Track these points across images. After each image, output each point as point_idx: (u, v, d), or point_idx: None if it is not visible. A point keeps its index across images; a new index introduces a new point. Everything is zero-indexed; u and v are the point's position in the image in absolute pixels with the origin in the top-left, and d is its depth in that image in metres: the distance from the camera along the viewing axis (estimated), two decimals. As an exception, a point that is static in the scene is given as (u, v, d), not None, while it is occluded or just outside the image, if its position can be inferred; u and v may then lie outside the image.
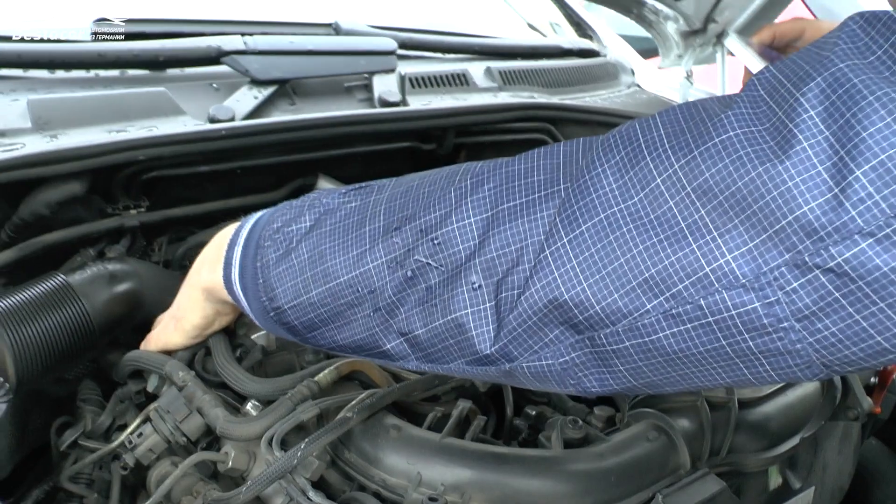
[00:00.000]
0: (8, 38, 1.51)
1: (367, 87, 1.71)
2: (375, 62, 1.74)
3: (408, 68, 1.81)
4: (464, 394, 1.13)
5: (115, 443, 1.07)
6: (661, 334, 0.62)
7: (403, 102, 1.67)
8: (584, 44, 2.35)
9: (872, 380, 1.44)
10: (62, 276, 1.20)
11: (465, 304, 0.71)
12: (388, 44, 1.77)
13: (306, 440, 0.93)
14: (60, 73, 1.52)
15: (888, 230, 0.51)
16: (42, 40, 1.54)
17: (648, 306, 0.61)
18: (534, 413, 1.17)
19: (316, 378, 1.05)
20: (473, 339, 0.71)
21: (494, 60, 2.02)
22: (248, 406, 1.07)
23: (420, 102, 1.72)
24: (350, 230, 0.81)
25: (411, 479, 0.93)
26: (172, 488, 1.00)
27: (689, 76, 2.31)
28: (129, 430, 1.07)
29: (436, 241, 0.73)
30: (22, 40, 1.52)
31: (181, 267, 1.43)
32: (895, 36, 0.55)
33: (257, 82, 1.59)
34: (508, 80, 1.96)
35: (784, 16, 2.14)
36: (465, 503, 0.92)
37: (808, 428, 1.17)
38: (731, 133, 0.58)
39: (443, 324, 0.73)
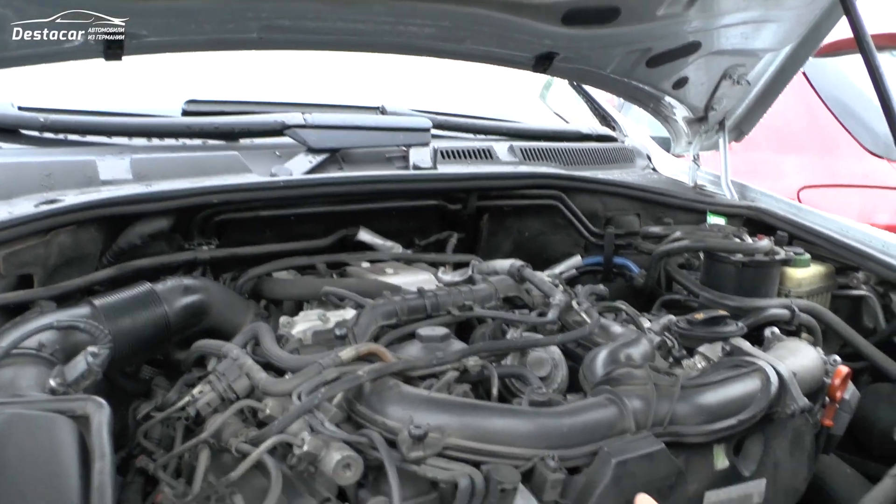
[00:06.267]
0: (118, 114, 1.92)
1: (405, 158, 2.07)
2: (412, 137, 2.09)
3: (441, 144, 2.17)
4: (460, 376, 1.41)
5: (183, 401, 1.38)
6: None
7: (433, 169, 2.01)
8: (603, 131, 2.68)
9: (827, 400, 1.66)
10: (149, 284, 1.54)
11: None
12: (424, 123, 2.13)
13: (324, 388, 1.22)
14: (156, 141, 1.91)
15: None
16: (144, 115, 1.94)
17: None
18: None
19: (340, 354, 1.34)
20: None
21: (518, 141, 2.36)
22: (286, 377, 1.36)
23: (450, 171, 2.06)
24: None
25: (405, 422, 1.20)
26: (223, 431, 1.29)
27: (695, 159, 2.62)
28: (194, 390, 1.37)
29: None
30: (129, 115, 1.93)
31: (241, 293, 1.76)
32: None
33: (313, 150, 1.96)
34: (529, 156, 2.29)
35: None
36: (444, 437, 1.19)
37: (744, 413, 1.40)
38: None
39: None
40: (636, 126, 3.05)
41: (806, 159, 4.05)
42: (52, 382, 1.21)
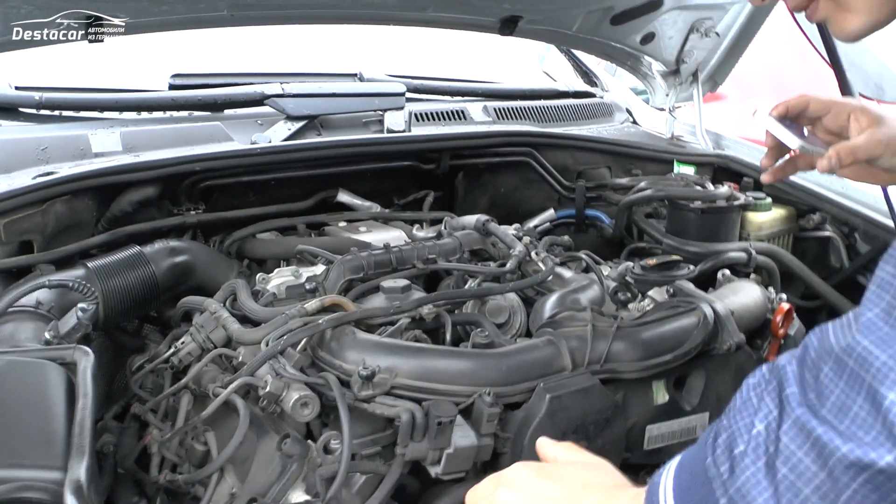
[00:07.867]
0: (110, 90, 2.06)
1: (380, 122, 2.19)
2: (387, 102, 2.21)
3: (417, 107, 2.29)
4: (416, 324, 1.54)
5: (168, 353, 1.53)
6: None
7: (407, 132, 2.13)
8: (580, 87, 2.77)
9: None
10: (138, 246, 1.69)
11: None
12: (399, 87, 2.25)
13: (286, 335, 1.36)
14: (145, 115, 2.05)
15: None
16: (133, 90, 2.08)
17: None
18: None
19: (305, 306, 1.48)
20: None
21: (492, 101, 2.47)
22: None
23: (422, 132, 2.19)
24: None
25: (358, 365, 1.34)
26: (202, 377, 1.44)
27: (671, 111, 2.71)
28: (178, 342, 1.53)
29: None
30: (119, 91, 2.06)
31: (227, 253, 1.90)
32: None
33: (291, 118, 2.09)
34: (503, 115, 2.41)
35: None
36: (392, 377, 1.33)
37: (680, 349, 1.51)
38: None
39: None
40: (619, 83, 3.14)
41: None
42: (47, 335, 1.37)
